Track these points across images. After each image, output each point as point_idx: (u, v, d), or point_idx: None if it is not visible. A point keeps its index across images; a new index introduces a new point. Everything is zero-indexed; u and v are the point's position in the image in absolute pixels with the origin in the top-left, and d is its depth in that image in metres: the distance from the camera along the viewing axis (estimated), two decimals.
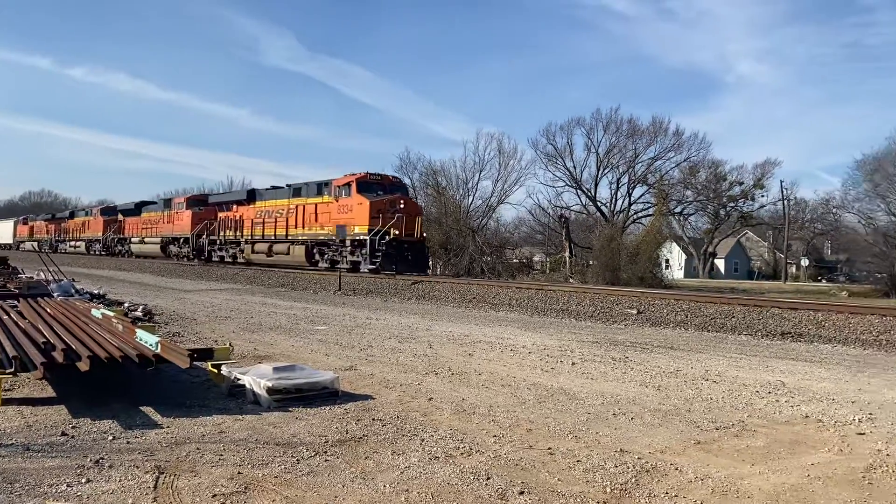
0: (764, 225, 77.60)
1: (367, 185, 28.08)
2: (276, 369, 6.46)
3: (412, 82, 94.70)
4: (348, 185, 28.08)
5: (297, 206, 31.19)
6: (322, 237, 29.24)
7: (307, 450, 4.73)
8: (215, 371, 6.55)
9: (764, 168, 67.82)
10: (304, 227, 30.35)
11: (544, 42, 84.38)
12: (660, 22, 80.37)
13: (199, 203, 41.06)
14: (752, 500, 3.98)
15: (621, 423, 5.69)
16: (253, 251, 33.60)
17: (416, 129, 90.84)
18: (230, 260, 35.88)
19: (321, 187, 30.13)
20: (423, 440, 5.03)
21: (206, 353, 6.63)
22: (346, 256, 28.03)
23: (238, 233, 35.39)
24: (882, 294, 37.80)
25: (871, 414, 6.19)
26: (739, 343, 11.58)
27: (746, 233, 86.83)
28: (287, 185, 33.63)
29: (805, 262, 72.55)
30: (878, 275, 44.57)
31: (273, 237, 32.21)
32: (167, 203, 44.72)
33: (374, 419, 5.60)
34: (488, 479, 4.20)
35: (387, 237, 25.99)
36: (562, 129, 59.52)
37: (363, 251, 26.73)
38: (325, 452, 4.69)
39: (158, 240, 43.06)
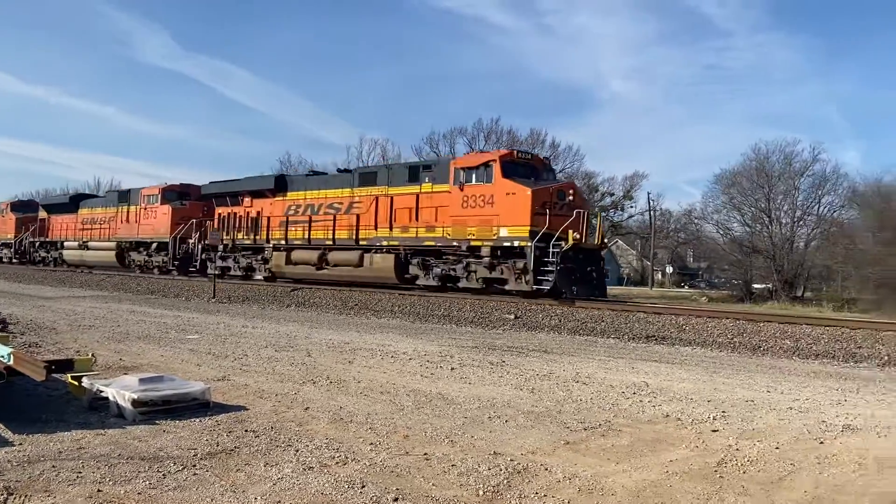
0: (632, 234, 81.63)
1: (516, 166, 19.31)
2: (142, 381, 6.16)
3: (295, 85, 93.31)
4: (486, 165, 19.15)
5: (372, 199, 22.09)
6: (427, 243, 20.49)
7: (174, 464, 4.53)
8: (76, 384, 6.15)
9: (633, 180, 71.29)
10: (389, 229, 21.51)
11: (427, 51, 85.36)
12: (539, 37, 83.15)
13: (181, 195, 31.42)
14: (615, 496, 4.18)
15: (496, 426, 5.82)
16: (288, 261, 24.71)
17: (299, 132, 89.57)
18: (241, 273, 27.08)
19: (418, 171, 21.34)
20: (297, 450, 4.94)
21: (66, 365, 6.23)
22: (474, 271, 19.51)
23: (257, 235, 26.20)
24: (737, 299, 40.65)
25: (724, 412, 6.63)
26: (608, 346, 12.13)
27: (617, 241, 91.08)
28: (344, 170, 25.20)
29: (670, 269, 76.83)
30: (734, 281, 47.91)
31: (328, 241, 23.32)
32: (124, 196, 33.80)
33: (246, 430, 5.45)
34: (363, 487, 4.19)
35: (562, 244, 17.57)
36: (445, 138, 60.09)
37: (518, 264, 18.39)
38: (194, 466, 4.52)
39: (111, 245, 33.44)
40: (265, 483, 4.22)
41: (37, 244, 39.96)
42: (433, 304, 18.29)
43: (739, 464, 4.88)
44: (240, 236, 27.07)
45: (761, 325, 13.65)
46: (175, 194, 31.30)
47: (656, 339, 13.14)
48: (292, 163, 64.37)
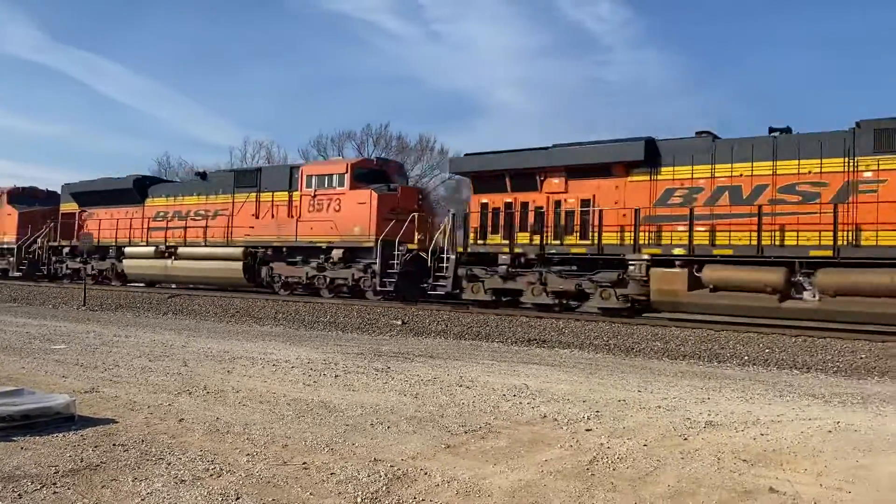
0: None
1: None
2: None
3: (175, 83, 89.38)
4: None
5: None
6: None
7: (32, 482, 4.26)
8: None
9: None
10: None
11: (317, 53, 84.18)
12: (428, 45, 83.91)
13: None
14: (491, 497, 4.27)
15: (378, 433, 5.82)
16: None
17: (179, 132, 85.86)
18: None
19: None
20: (169, 464, 4.75)
21: None
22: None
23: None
24: None
25: (598, 412, 6.91)
26: (492, 350, 12.38)
27: None
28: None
29: None
30: None
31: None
32: None
33: (115, 444, 5.19)
34: (238, 499, 4.08)
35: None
36: (333, 142, 59.47)
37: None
38: (55, 484, 4.26)
39: None
40: (133, 499, 4.04)
41: None
42: (318, 311, 18.06)
43: (610, 461, 5.10)
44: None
45: (634, 327, 14.33)
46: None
47: (537, 343, 13.54)
48: (171, 164, 61.77)
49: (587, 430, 6.13)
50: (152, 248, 24.91)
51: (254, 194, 22.31)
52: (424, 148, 56.38)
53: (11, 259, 28.77)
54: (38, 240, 28.41)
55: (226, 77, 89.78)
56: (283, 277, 21.64)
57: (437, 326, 15.67)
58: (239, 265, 22.20)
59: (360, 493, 4.26)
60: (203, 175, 25.36)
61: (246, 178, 23.00)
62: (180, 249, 24.12)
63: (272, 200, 21.78)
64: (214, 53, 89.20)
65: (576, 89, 79.77)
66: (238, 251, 22.32)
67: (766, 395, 8.20)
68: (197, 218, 23.89)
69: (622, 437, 5.82)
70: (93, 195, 27.32)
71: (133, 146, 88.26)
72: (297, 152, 71.56)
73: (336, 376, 8.69)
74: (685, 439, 5.83)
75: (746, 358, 11.87)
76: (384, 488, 4.36)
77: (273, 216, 21.65)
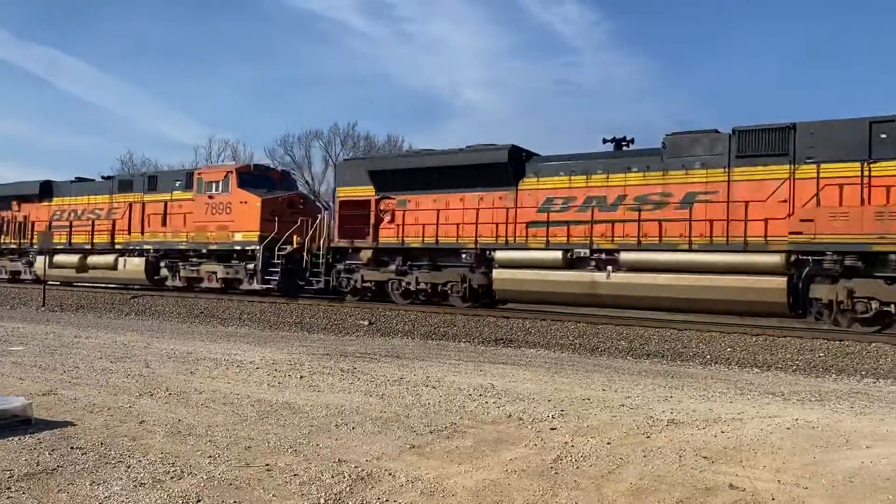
0: None
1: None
2: None
3: (140, 80, 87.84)
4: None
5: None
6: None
7: None
8: None
9: None
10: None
11: (284, 51, 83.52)
12: (398, 44, 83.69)
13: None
14: (455, 497, 4.28)
15: (343, 434, 5.78)
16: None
17: (144, 130, 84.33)
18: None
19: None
20: (129, 466, 4.67)
21: None
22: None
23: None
24: None
25: (563, 410, 6.96)
26: (459, 350, 12.40)
27: None
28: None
29: None
30: None
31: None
32: None
33: (72, 447, 5.08)
34: (198, 501, 4.03)
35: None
36: (300, 141, 58.99)
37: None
38: (9, 489, 4.16)
39: None
40: (90, 503, 3.96)
41: None
42: (284, 312, 17.92)
43: (574, 460, 5.14)
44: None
45: (599, 327, 14.46)
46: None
47: (504, 342, 13.59)
48: (135, 162, 60.78)
49: (552, 428, 6.16)
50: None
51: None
52: (393, 148, 56.20)
53: (251, 266, 20.92)
54: (295, 238, 20.22)
55: (191, 75, 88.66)
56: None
57: (404, 326, 15.64)
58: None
59: (323, 494, 4.23)
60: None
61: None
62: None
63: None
64: (180, 51, 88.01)
65: (544, 91, 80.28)
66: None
67: (728, 393, 8.33)
68: None
69: (586, 436, 5.86)
70: (416, 174, 18.56)
71: (95, 144, 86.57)
72: (263, 151, 70.93)
73: (301, 377, 8.63)
74: (648, 437, 5.90)
75: (709, 356, 12.06)
76: (348, 489, 4.33)
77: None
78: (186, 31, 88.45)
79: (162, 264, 23.07)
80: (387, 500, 4.16)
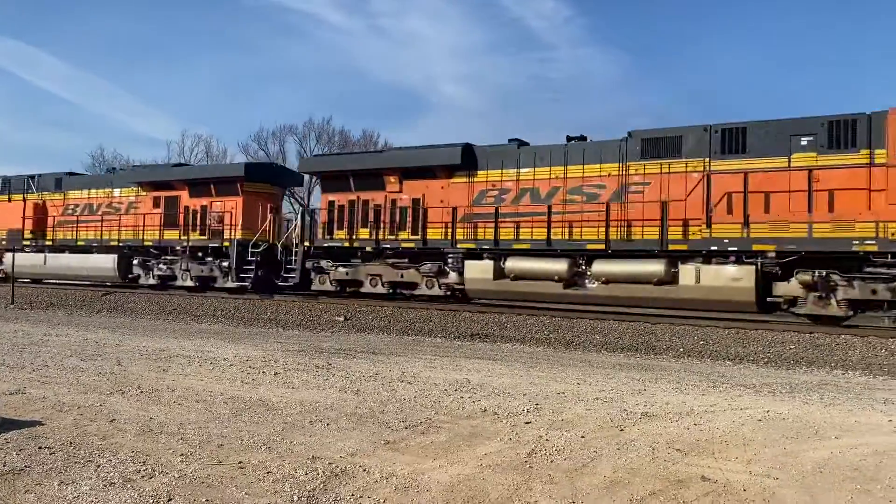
0: None
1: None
2: None
3: (111, 75, 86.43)
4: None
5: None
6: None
7: None
8: None
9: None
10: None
11: (256, 45, 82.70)
12: (372, 38, 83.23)
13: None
14: (430, 493, 4.27)
15: (317, 430, 5.75)
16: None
17: (115, 125, 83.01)
18: None
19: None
20: (98, 466, 4.60)
21: None
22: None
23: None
24: None
25: (538, 405, 6.98)
26: (435, 345, 12.39)
27: None
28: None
29: None
30: None
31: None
32: None
33: (40, 447, 5.00)
34: (169, 500, 3.98)
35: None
36: (274, 136, 58.52)
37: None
38: None
39: None
40: (58, 503, 3.90)
41: None
42: (259, 308, 17.80)
43: (548, 453, 5.15)
44: None
45: (574, 321, 14.55)
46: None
47: (480, 337, 13.61)
48: (106, 158, 59.92)
49: (527, 422, 6.18)
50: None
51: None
52: (368, 143, 55.98)
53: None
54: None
55: (162, 69, 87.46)
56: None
57: (380, 322, 15.60)
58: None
59: (297, 491, 4.20)
60: None
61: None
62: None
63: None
64: (151, 44, 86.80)
65: (520, 86, 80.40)
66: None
67: (700, 385, 8.42)
68: None
69: (560, 430, 5.89)
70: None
71: (62, 140, 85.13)
72: (236, 146, 70.27)
73: (275, 374, 8.56)
74: (622, 430, 5.93)
75: (682, 350, 12.18)
76: (321, 486, 4.31)
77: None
78: (157, 24, 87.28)
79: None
80: (360, 497, 4.14)
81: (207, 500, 4.00)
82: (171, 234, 22.50)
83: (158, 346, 10.97)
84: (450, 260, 17.17)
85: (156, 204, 23.11)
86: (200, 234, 22.08)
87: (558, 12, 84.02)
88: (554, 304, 16.41)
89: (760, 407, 6.97)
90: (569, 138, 16.53)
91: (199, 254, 22.02)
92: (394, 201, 18.38)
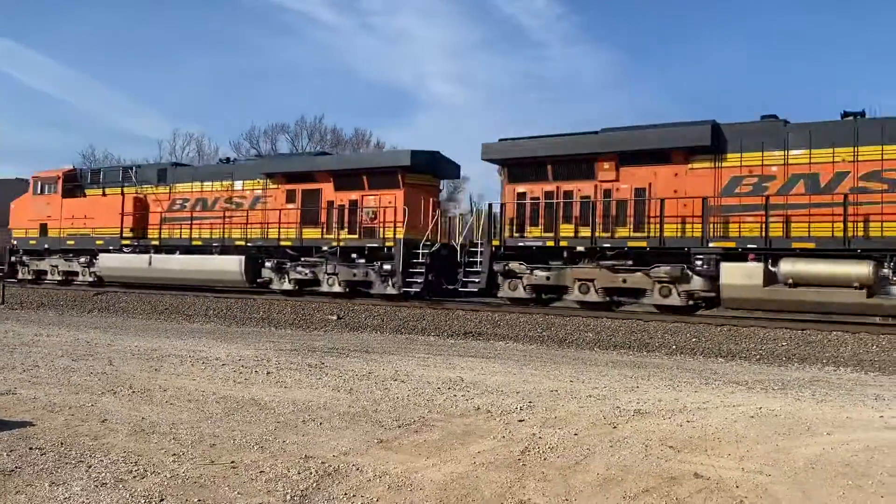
0: None
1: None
2: None
3: (102, 73, 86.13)
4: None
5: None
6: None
7: None
8: None
9: (455, 183, 73.47)
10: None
11: (248, 43, 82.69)
12: (362, 36, 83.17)
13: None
14: (423, 491, 4.26)
15: (310, 429, 5.73)
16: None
17: (106, 124, 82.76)
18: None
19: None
20: (90, 466, 4.57)
21: None
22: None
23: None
24: None
25: (531, 402, 6.98)
26: (428, 343, 12.38)
27: None
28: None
29: None
30: None
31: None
32: None
33: (31, 448, 4.96)
34: (161, 500, 3.96)
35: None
36: (266, 134, 58.38)
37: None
38: None
39: None
40: None
41: None
42: (251, 307, 17.75)
43: (541, 451, 5.15)
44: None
45: (567, 318, 14.56)
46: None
47: (473, 335, 13.61)
48: (97, 157, 59.69)
49: (520, 420, 6.18)
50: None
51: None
52: (360, 141, 55.93)
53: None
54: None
55: (154, 67, 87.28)
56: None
57: (373, 321, 15.58)
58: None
59: (289, 490, 4.18)
60: None
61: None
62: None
63: None
64: (142, 43, 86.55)
65: (512, 84, 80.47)
66: None
67: (693, 382, 8.44)
68: None
69: (554, 427, 5.89)
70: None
71: (54, 139, 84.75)
72: (228, 144, 70.03)
73: (268, 373, 8.54)
74: (615, 427, 5.94)
75: (674, 347, 12.21)
76: (314, 485, 4.29)
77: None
78: (148, 23, 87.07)
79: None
80: (354, 496, 4.13)
81: (200, 500, 3.98)
82: (310, 233, 20.11)
83: (150, 346, 10.92)
84: (698, 262, 14.40)
85: (290, 198, 20.56)
86: (349, 233, 19.61)
87: (550, 10, 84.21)
88: (852, 316, 13.84)
89: (753, 403, 6.99)
90: (845, 114, 13.92)
91: (353, 255, 19.30)
92: (607, 191, 15.78)
